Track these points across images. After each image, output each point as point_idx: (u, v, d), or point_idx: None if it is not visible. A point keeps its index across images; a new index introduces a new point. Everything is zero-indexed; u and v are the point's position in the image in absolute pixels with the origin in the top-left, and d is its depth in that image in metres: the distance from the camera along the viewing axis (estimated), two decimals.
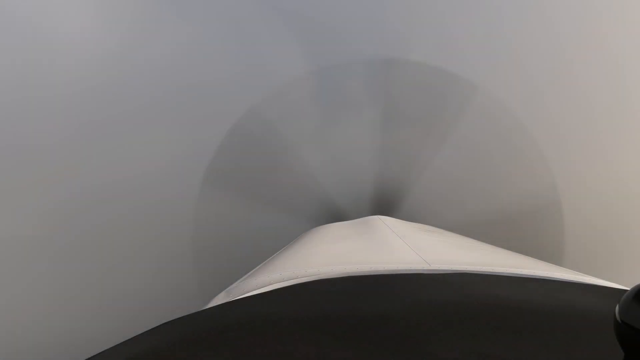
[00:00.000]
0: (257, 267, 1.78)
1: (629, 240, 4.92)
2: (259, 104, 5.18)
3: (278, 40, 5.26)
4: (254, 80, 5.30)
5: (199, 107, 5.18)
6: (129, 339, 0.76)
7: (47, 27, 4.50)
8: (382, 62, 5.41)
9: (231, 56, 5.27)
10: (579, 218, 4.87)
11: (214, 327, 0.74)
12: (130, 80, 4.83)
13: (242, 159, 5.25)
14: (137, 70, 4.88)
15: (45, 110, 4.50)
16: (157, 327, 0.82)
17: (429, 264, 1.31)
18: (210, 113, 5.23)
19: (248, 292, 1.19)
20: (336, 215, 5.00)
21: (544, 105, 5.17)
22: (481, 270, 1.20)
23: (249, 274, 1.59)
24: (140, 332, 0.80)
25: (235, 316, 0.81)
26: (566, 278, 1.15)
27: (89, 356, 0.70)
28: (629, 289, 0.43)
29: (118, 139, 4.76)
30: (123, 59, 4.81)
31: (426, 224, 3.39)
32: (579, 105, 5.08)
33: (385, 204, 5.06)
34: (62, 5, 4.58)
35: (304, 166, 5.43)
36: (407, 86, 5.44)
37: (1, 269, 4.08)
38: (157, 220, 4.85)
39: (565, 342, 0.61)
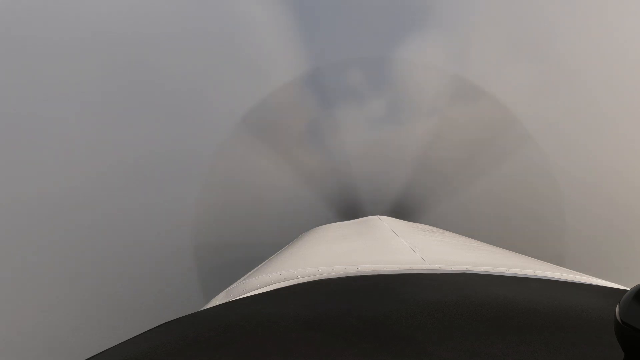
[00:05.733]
0: (257, 267, 1.78)
1: (629, 240, 4.92)
2: (259, 104, 5.17)
3: (276, 40, 5.25)
4: (251, 81, 5.29)
5: (199, 106, 5.18)
6: (129, 339, 0.76)
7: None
8: (380, 60, 5.40)
9: (231, 57, 5.26)
10: (579, 218, 4.87)
11: (214, 327, 0.74)
12: (132, 80, 4.82)
13: (241, 159, 5.24)
14: (137, 69, 4.87)
15: (53, 101, 4.45)
16: (157, 327, 0.82)
17: (429, 264, 1.31)
18: (210, 113, 5.22)
19: (248, 292, 1.19)
20: (336, 214, 4.99)
21: (545, 105, 5.17)
22: (481, 270, 1.20)
23: (249, 274, 1.59)
24: (140, 332, 0.80)
25: (235, 316, 0.81)
26: (566, 278, 1.15)
27: (89, 356, 0.70)
28: (629, 289, 0.43)
29: (118, 138, 4.75)
30: (125, 61, 4.80)
31: (425, 223, 3.39)
32: (580, 105, 5.08)
33: (386, 204, 5.05)
34: None
35: (302, 166, 5.43)
36: (405, 84, 5.43)
37: (2, 268, 4.08)
38: (157, 220, 4.84)
39: (565, 342, 0.61)
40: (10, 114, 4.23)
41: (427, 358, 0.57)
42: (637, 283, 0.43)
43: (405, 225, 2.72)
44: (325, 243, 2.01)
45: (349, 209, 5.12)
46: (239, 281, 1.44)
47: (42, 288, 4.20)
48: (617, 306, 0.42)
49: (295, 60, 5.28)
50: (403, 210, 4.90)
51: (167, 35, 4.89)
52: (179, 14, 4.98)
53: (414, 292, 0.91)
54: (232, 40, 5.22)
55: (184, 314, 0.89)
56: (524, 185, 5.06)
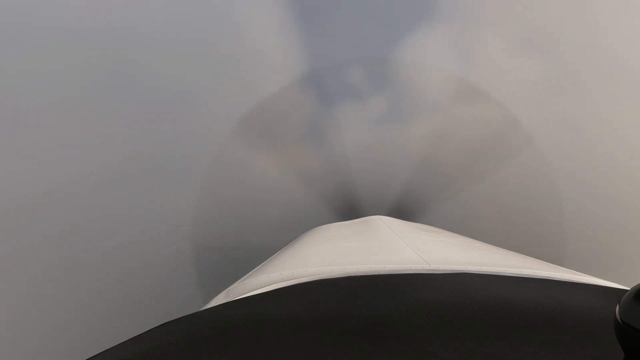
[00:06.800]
0: (257, 267, 1.78)
1: (629, 240, 4.91)
2: (258, 103, 5.17)
3: (275, 36, 5.23)
4: (250, 80, 5.28)
5: (198, 105, 5.17)
6: (129, 339, 0.76)
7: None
8: (381, 59, 5.39)
9: (230, 56, 5.25)
10: (579, 218, 4.87)
11: (214, 327, 0.74)
12: (133, 78, 4.82)
13: (241, 159, 5.24)
14: (137, 67, 4.87)
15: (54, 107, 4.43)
16: (157, 327, 0.82)
17: (429, 264, 1.31)
18: (209, 113, 5.22)
19: (248, 292, 1.19)
20: (336, 214, 4.99)
21: (544, 105, 5.16)
22: (481, 270, 1.20)
23: (249, 274, 1.59)
24: (140, 332, 0.80)
25: (235, 316, 0.81)
26: (566, 278, 1.15)
27: (89, 356, 0.70)
28: (629, 289, 0.43)
29: (118, 136, 4.75)
30: (125, 59, 4.80)
31: (426, 223, 3.39)
32: (579, 105, 5.07)
33: (386, 204, 5.04)
34: None
35: (302, 166, 5.42)
36: (406, 82, 5.42)
37: (2, 266, 4.07)
38: (157, 221, 4.84)
39: (565, 342, 0.61)
40: (4, 110, 4.21)
41: (427, 358, 0.57)
42: (638, 283, 0.43)
43: (405, 225, 2.72)
44: (325, 243, 2.01)
45: (349, 209, 5.12)
46: (239, 281, 1.44)
47: (41, 288, 4.19)
48: (617, 306, 0.42)
49: (295, 58, 5.28)
50: (403, 210, 4.89)
51: (164, 32, 4.88)
52: (178, 10, 4.97)
53: (414, 292, 0.91)
54: (230, 39, 5.22)
55: (184, 314, 0.89)
56: (524, 184, 5.05)
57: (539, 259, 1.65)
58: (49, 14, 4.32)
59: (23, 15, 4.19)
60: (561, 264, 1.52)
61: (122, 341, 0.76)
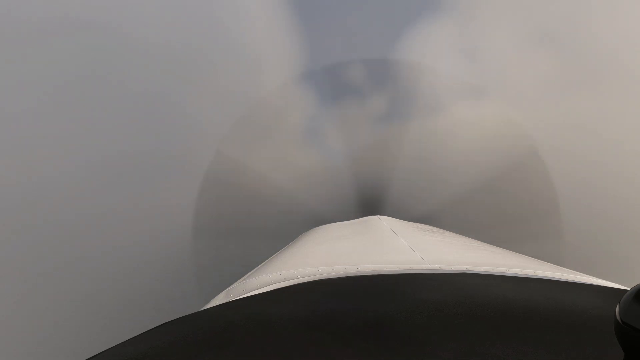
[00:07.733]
0: (257, 267, 1.78)
1: (629, 240, 4.91)
2: (257, 101, 5.17)
3: (275, 32, 5.20)
4: (250, 78, 5.28)
5: (198, 107, 5.17)
6: (129, 339, 0.76)
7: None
8: (382, 57, 5.38)
9: (230, 53, 5.25)
10: (579, 218, 4.87)
11: (214, 327, 0.74)
12: (128, 81, 4.82)
13: (240, 158, 5.24)
14: (135, 70, 4.87)
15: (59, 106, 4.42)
16: (157, 327, 0.82)
17: (429, 264, 1.31)
18: (207, 111, 5.22)
19: (248, 292, 1.19)
20: (336, 214, 4.99)
21: (542, 105, 5.15)
22: (481, 270, 1.20)
23: (249, 274, 1.59)
24: (140, 332, 0.80)
25: (236, 316, 0.81)
26: (566, 278, 1.15)
27: (89, 356, 0.70)
28: (629, 289, 0.43)
29: (118, 133, 4.74)
30: (123, 56, 4.80)
31: (426, 223, 3.39)
32: (577, 105, 5.06)
33: (376, 202, 5.03)
34: None
35: (303, 165, 5.42)
36: (409, 81, 5.39)
37: (2, 266, 4.07)
38: (157, 220, 4.84)
39: (565, 342, 0.61)
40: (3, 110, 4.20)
41: (427, 358, 0.57)
42: (638, 283, 0.43)
43: (405, 225, 2.73)
44: (325, 243, 2.01)
45: (349, 209, 5.12)
46: (239, 281, 1.44)
47: (40, 288, 4.19)
48: (617, 306, 0.42)
49: (294, 57, 5.27)
50: (404, 210, 4.89)
51: (164, 30, 4.87)
52: (176, 8, 4.96)
53: (414, 292, 0.91)
54: (229, 36, 5.21)
55: (184, 314, 0.89)
56: (525, 184, 5.05)
57: (539, 259, 1.65)
58: (43, 11, 4.31)
59: (17, 11, 4.18)
60: (561, 264, 1.52)
61: (122, 341, 0.76)
